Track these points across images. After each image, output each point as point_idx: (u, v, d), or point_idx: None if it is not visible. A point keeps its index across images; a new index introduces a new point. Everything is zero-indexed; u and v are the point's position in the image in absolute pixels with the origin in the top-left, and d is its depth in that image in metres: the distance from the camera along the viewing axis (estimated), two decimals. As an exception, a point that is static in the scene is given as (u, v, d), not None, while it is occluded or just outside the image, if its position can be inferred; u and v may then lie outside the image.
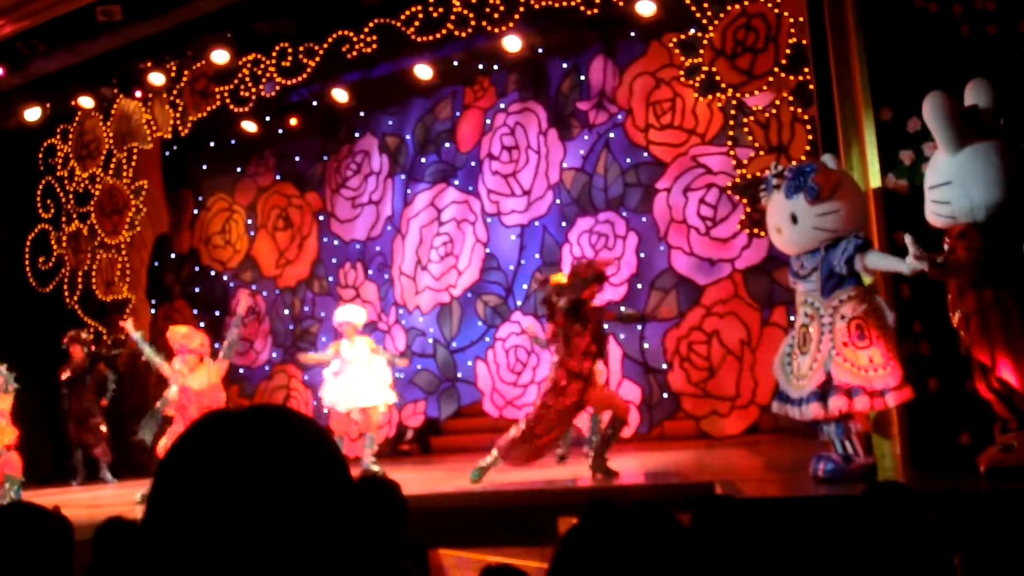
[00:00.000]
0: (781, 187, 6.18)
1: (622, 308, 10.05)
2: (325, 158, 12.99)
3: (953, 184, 5.39)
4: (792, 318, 6.58)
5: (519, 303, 11.40)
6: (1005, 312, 5.30)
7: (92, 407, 11.98)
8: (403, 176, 12.37)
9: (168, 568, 1.16)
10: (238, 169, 13.53)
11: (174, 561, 1.16)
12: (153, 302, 13.38)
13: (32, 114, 12.62)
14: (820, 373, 5.93)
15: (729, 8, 8.81)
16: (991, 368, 5.34)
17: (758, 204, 6.35)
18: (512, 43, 10.45)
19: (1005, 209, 5.38)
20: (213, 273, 13.58)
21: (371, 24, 10.67)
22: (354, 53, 10.85)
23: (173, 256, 13.74)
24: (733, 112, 8.89)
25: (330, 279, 12.78)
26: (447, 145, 12.11)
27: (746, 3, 8.74)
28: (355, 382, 9.58)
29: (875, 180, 6.52)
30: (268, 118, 12.57)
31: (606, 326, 8.52)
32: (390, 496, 3.22)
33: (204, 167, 13.67)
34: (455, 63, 11.47)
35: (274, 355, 13.05)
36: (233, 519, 1.15)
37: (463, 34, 10.30)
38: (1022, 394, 5.29)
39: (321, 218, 12.94)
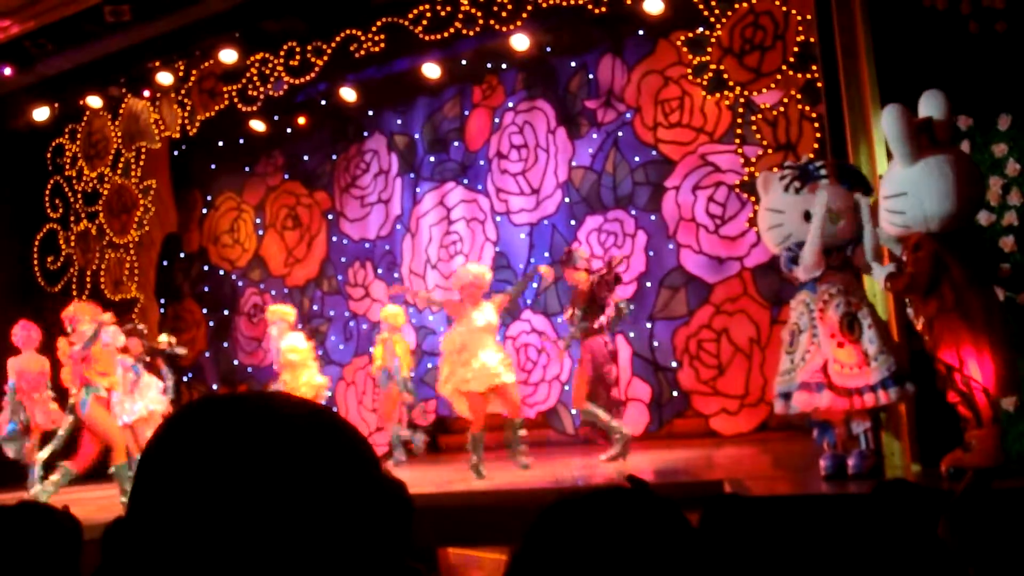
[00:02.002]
0: (835, 177, 6.17)
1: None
2: (334, 157, 13.00)
3: (908, 195, 5.51)
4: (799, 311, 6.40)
5: (529, 301, 11.40)
6: (967, 312, 5.37)
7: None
8: (412, 175, 12.37)
9: (152, 566, 1.12)
10: (246, 168, 13.55)
11: (159, 558, 1.12)
12: (162, 301, 13.41)
13: (40, 114, 12.65)
14: (888, 358, 5.97)
15: (737, 6, 8.80)
16: (957, 368, 5.41)
17: (804, 182, 6.21)
18: (520, 42, 10.44)
19: (958, 219, 5.49)
20: (222, 272, 13.60)
21: (379, 23, 10.68)
22: (362, 52, 10.86)
23: (182, 255, 13.76)
24: (741, 110, 8.88)
25: (339, 278, 12.79)
26: (456, 144, 12.11)
27: (754, 1, 8.73)
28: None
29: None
30: (276, 117, 12.58)
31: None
32: (395, 495, 3.22)
33: (212, 166, 13.68)
34: (463, 62, 11.47)
35: (283, 354, 13.05)
36: (218, 513, 1.10)
37: (471, 33, 10.31)
38: (984, 393, 5.35)
39: (330, 217, 12.95)
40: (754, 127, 8.70)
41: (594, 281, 8.63)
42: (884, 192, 5.73)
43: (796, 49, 8.40)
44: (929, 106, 5.64)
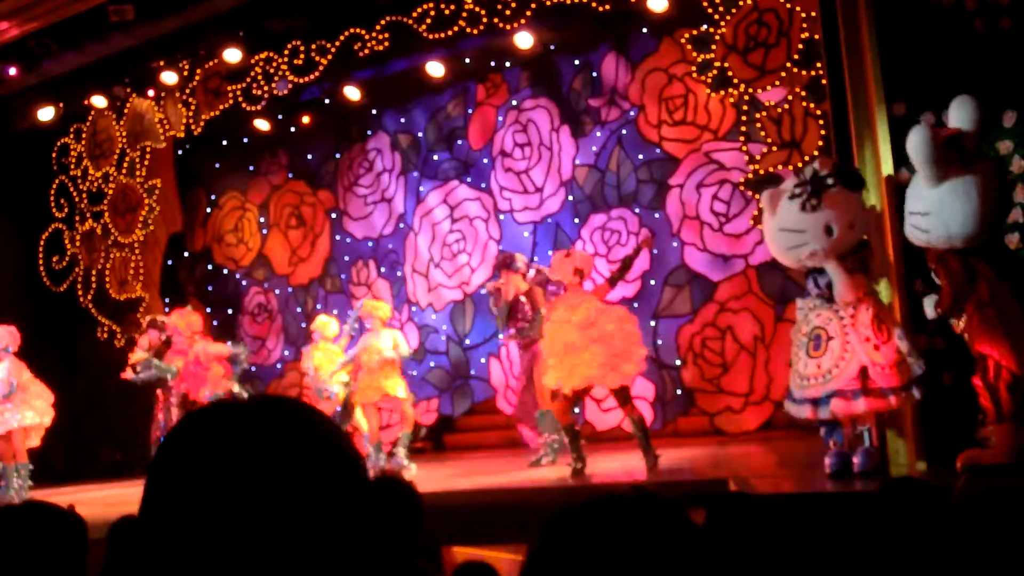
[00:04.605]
0: (841, 183, 6.20)
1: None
2: (337, 156, 13.00)
3: (932, 215, 5.54)
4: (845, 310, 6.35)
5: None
6: (1003, 304, 5.40)
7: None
8: (415, 173, 12.37)
9: (167, 568, 1.12)
10: (251, 167, 13.55)
11: (172, 560, 1.12)
12: (167, 301, 13.41)
13: (45, 114, 12.66)
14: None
15: (741, 3, 8.77)
16: (991, 356, 5.44)
17: (819, 197, 6.18)
18: (524, 40, 10.43)
19: (979, 239, 5.56)
20: (226, 271, 13.61)
21: (383, 22, 10.66)
22: (366, 51, 10.84)
23: (186, 255, 13.77)
24: (746, 108, 8.85)
25: (343, 277, 12.79)
26: (459, 142, 12.11)
27: (758, -2, 8.72)
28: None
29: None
30: (280, 116, 12.58)
31: None
32: (406, 496, 3.22)
33: (217, 166, 13.69)
34: (467, 60, 11.46)
35: (286, 353, 13.07)
36: (231, 515, 1.10)
37: (475, 31, 10.28)
38: (1008, 388, 5.37)
39: (334, 216, 12.95)
40: (758, 125, 8.67)
41: (532, 288, 8.94)
42: (909, 207, 5.74)
43: (800, 46, 8.37)
44: (960, 116, 5.64)
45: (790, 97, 8.49)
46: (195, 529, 1.11)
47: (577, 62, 11.40)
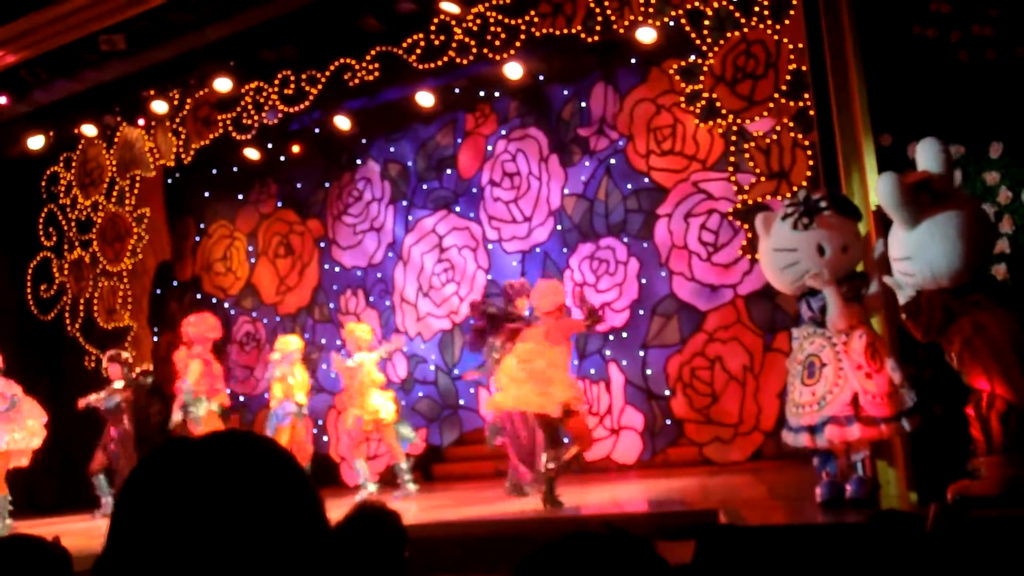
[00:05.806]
0: (834, 208, 6.23)
1: None
2: (327, 185, 13.00)
3: (915, 258, 5.52)
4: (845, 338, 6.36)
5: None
6: (990, 336, 5.40)
7: (130, 432, 11.37)
8: (404, 203, 12.38)
9: None
10: (240, 196, 13.54)
11: None
12: (155, 330, 13.38)
13: (35, 142, 12.66)
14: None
15: (729, 35, 8.84)
16: (986, 389, 5.44)
17: (811, 217, 6.20)
18: (513, 70, 10.48)
19: (968, 273, 5.51)
20: (215, 300, 13.58)
21: (373, 52, 10.72)
22: (356, 80, 10.88)
23: (175, 283, 13.73)
24: (734, 138, 8.90)
25: (331, 306, 12.76)
26: (448, 172, 12.13)
27: (746, 30, 8.77)
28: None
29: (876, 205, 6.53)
30: (270, 145, 12.58)
31: None
32: (389, 526, 3.20)
33: (206, 194, 13.68)
34: (456, 90, 11.50)
35: (275, 383, 13.00)
36: (196, 548, 1.11)
37: (464, 61, 10.34)
38: (1000, 419, 5.37)
39: (322, 245, 12.94)
40: (747, 155, 8.72)
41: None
42: (892, 254, 5.74)
43: (788, 77, 8.43)
44: (926, 158, 5.63)
45: (778, 128, 8.54)
46: (160, 567, 1.12)
47: (566, 92, 11.44)
